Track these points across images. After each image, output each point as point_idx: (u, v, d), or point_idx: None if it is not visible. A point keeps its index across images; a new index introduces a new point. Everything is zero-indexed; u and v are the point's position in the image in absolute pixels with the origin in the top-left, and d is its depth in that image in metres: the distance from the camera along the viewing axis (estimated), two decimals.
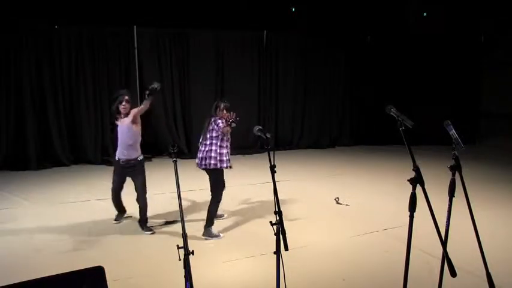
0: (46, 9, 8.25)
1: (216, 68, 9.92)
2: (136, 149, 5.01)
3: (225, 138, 4.87)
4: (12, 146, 8.42)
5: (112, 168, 5.38)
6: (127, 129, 4.92)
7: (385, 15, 10.81)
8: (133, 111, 4.92)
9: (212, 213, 4.96)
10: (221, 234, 5.02)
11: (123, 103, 4.88)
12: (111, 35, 8.92)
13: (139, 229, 5.16)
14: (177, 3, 9.26)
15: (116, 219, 5.43)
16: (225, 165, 4.89)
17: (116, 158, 5.06)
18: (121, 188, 5.22)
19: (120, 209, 5.41)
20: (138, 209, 5.13)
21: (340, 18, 10.62)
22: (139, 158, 5.01)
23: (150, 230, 5.15)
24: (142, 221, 5.17)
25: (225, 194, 5.61)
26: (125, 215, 5.50)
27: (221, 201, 5.09)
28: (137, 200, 5.12)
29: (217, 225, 5.44)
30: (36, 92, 8.45)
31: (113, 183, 5.20)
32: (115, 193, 5.25)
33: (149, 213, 5.25)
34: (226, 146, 4.92)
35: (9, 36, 8.14)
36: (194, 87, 9.70)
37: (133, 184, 5.10)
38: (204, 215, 5.68)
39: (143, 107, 4.91)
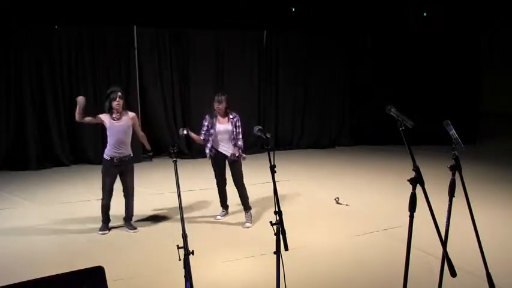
0: (46, 9, 8.25)
1: (216, 68, 9.91)
2: (129, 146, 5.01)
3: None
4: (12, 146, 8.42)
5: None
6: (126, 129, 4.90)
7: (385, 15, 10.80)
8: (137, 123, 5.08)
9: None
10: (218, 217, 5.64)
11: (117, 99, 4.80)
12: (111, 35, 8.91)
13: (141, 228, 5.15)
14: (177, 3, 9.25)
15: (104, 230, 5.08)
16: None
17: (108, 158, 4.89)
18: (112, 190, 5.04)
19: (108, 217, 5.14)
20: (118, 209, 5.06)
21: (340, 18, 10.62)
22: (131, 154, 5.04)
23: (135, 228, 5.15)
24: (130, 218, 5.17)
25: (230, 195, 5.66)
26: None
27: (225, 200, 5.67)
28: (127, 196, 5.07)
29: (217, 225, 5.45)
30: (36, 92, 8.45)
31: (106, 189, 4.96)
32: (109, 198, 5.02)
33: (150, 214, 5.25)
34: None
35: (9, 36, 8.14)
36: (194, 87, 9.69)
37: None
38: (203, 214, 5.67)
39: (141, 134, 5.15)
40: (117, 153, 4.87)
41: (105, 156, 4.91)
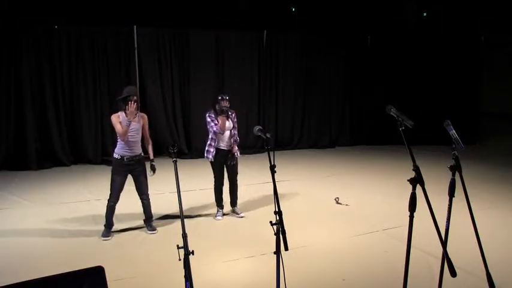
0: (46, 9, 8.25)
1: (216, 68, 9.92)
2: (140, 146, 5.01)
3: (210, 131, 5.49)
4: (12, 146, 8.42)
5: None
6: (138, 129, 4.91)
7: (385, 15, 10.81)
8: (147, 124, 5.07)
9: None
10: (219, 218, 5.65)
11: (131, 103, 4.75)
12: (111, 35, 8.92)
13: (142, 229, 5.15)
14: (177, 3, 9.26)
15: (107, 236, 4.94)
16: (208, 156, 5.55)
17: (118, 157, 4.87)
18: (121, 191, 4.98)
19: (112, 222, 5.02)
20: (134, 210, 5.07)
21: (340, 18, 10.63)
22: (142, 154, 5.03)
23: (154, 229, 5.14)
24: (150, 219, 5.16)
25: (226, 193, 5.70)
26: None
27: (223, 199, 5.70)
28: (143, 196, 5.05)
29: (217, 224, 5.45)
30: (36, 92, 8.45)
31: (115, 188, 4.89)
32: (117, 199, 4.96)
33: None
34: (211, 139, 5.51)
35: (9, 36, 8.14)
36: (194, 87, 9.70)
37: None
38: (203, 214, 5.67)
39: (149, 141, 5.14)
40: (128, 152, 4.87)
41: (115, 155, 4.91)
